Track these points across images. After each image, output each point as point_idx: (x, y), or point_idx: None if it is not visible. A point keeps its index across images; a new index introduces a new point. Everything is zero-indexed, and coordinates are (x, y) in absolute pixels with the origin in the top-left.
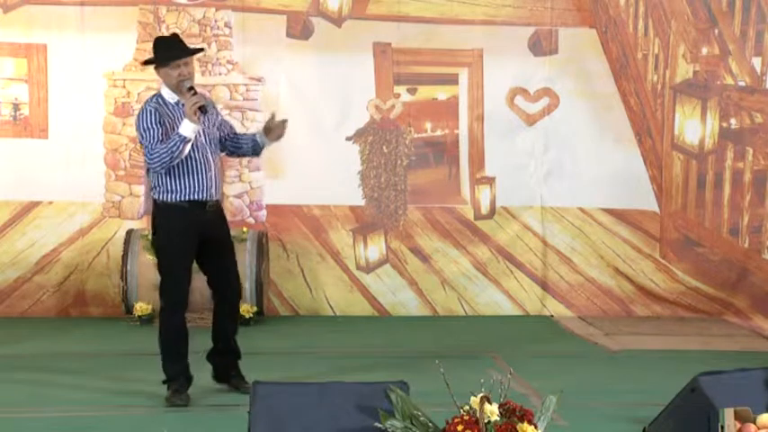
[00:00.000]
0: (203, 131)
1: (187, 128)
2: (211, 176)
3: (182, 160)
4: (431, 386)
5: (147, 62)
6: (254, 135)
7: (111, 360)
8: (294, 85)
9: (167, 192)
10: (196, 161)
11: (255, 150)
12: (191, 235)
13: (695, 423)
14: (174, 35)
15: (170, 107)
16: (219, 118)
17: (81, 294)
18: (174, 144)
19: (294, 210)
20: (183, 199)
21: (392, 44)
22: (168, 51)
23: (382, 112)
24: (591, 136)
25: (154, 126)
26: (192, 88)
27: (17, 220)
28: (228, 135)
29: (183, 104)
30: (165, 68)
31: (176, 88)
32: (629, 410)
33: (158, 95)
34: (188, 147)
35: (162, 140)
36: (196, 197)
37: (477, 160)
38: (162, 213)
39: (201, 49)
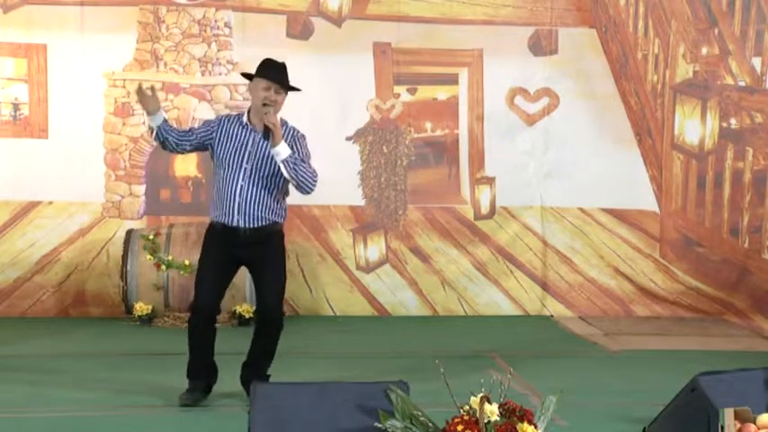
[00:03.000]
0: (252, 158)
1: (150, 119)
2: (239, 204)
3: (217, 181)
4: (431, 386)
5: (245, 75)
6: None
7: (111, 360)
8: (294, 85)
9: (211, 208)
10: (223, 184)
11: (289, 176)
12: (221, 254)
13: (695, 423)
14: (283, 64)
15: (240, 126)
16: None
17: (81, 294)
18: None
19: (294, 210)
20: (215, 219)
21: (392, 44)
22: (265, 69)
23: (382, 112)
24: (591, 136)
25: (202, 125)
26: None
27: (17, 220)
28: None
29: (251, 128)
30: (254, 84)
31: (257, 109)
32: (629, 410)
33: (239, 114)
34: (153, 133)
35: (188, 132)
36: (222, 221)
37: (477, 160)
38: (207, 229)
39: (297, 89)
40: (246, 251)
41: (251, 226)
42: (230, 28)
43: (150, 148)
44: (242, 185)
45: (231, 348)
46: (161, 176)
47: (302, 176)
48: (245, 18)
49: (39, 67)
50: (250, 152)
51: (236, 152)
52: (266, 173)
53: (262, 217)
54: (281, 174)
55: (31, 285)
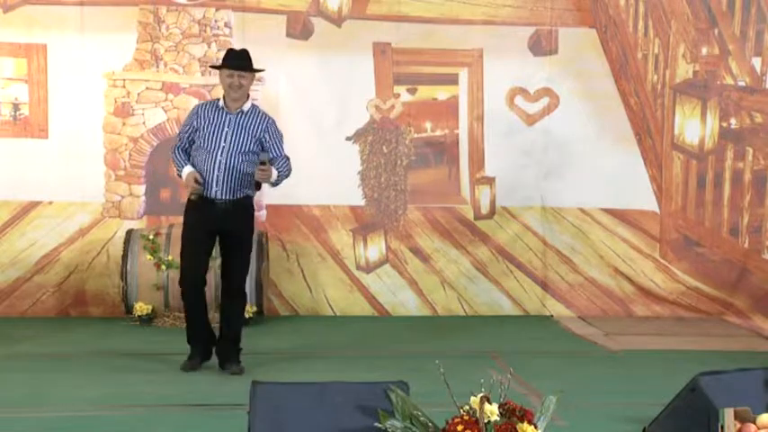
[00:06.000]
0: (228, 137)
1: (183, 174)
2: (217, 177)
3: (197, 159)
4: (431, 386)
5: (213, 66)
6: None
7: (111, 360)
8: (294, 85)
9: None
10: (203, 161)
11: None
12: (202, 227)
13: (695, 423)
14: (244, 50)
15: (217, 110)
16: (266, 136)
17: (81, 294)
18: (176, 164)
19: (294, 210)
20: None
21: (392, 44)
22: (228, 60)
23: (382, 112)
24: (591, 136)
25: (186, 124)
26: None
27: (17, 220)
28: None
29: (226, 111)
30: (221, 73)
31: (225, 93)
32: (629, 410)
33: (216, 99)
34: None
35: (185, 147)
36: (203, 194)
37: (477, 160)
38: (186, 205)
39: (260, 69)
40: (222, 222)
41: (228, 198)
42: (230, 28)
43: (150, 148)
44: (220, 160)
45: None
46: (161, 176)
47: (284, 177)
48: (245, 18)
49: (39, 67)
50: (226, 132)
51: (214, 132)
52: (241, 149)
53: (238, 189)
54: (254, 152)
55: (31, 285)
